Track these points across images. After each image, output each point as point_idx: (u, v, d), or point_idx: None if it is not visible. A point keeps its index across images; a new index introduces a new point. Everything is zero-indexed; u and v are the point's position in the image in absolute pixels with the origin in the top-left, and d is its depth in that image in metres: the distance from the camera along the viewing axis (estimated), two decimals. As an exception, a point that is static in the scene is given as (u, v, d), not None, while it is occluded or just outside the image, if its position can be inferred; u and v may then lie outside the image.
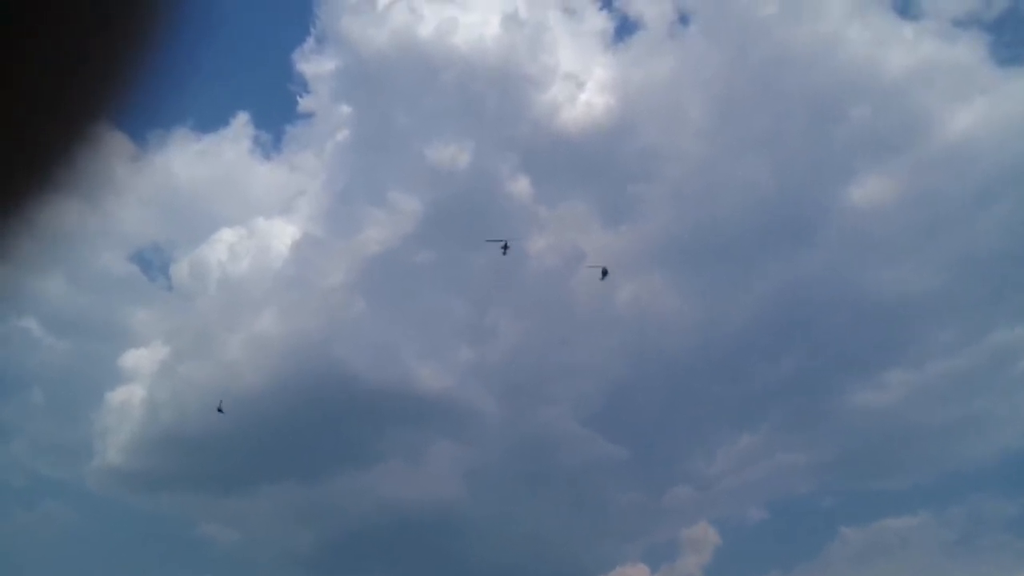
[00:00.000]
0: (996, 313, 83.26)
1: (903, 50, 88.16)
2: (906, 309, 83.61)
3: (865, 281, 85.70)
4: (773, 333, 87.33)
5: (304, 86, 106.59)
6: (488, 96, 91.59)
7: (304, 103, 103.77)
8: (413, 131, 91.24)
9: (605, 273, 71.51)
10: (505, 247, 67.43)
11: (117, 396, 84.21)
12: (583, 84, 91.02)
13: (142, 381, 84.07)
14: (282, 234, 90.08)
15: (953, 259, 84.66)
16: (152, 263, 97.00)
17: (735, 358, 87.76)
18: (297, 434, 79.15)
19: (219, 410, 70.65)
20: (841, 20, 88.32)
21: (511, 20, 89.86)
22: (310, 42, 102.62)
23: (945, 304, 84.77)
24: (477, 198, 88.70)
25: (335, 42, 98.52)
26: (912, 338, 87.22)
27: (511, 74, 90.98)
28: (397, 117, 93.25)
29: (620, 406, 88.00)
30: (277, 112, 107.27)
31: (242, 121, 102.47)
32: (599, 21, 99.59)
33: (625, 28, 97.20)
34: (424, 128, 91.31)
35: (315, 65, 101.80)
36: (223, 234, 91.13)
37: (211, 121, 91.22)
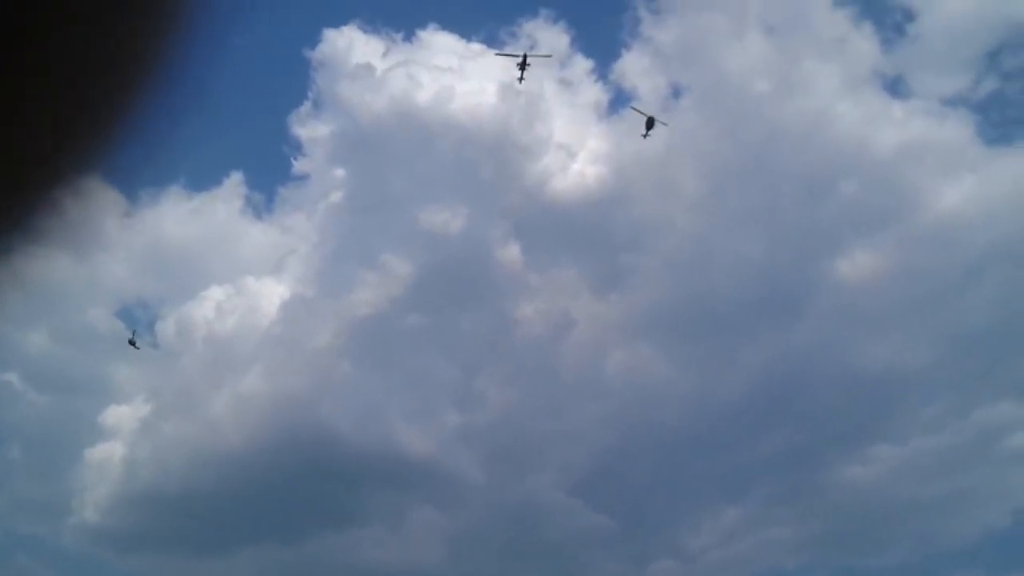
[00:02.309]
0: (982, 390, 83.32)
1: (893, 128, 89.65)
2: (893, 384, 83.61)
3: (853, 355, 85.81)
4: (761, 406, 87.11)
5: (299, 149, 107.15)
6: (482, 163, 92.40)
7: (299, 165, 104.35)
8: (407, 196, 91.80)
9: (651, 124, 65.68)
10: (523, 65, 63.61)
11: (96, 453, 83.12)
12: (576, 154, 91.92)
13: (123, 438, 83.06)
14: (271, 294, 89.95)
15: (940, 335, 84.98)
16: (138, 319, 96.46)
17: (723, 430, 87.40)
18: (278, 495, 78.10)
19: (131, 342, 65.19)
20: (832, 97, 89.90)
21: (508, 90, 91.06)
22: (307, 106, 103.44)
23: (932, 380, 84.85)
24: (468, 263, 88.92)
25: (332, 107, 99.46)
26: (899, 413, 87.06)
27: (506, 142, 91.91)
28: (392, 181, 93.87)
29: (606, 476, 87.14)
30: (271, 173, 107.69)
31: (235, 181, 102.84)
32: (594, 93, 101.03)
33: (619, 100, 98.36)
34: (418, 193, 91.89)
35: (311, 129, 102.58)
36: (211, 292, 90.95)
37: (204, 180, 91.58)
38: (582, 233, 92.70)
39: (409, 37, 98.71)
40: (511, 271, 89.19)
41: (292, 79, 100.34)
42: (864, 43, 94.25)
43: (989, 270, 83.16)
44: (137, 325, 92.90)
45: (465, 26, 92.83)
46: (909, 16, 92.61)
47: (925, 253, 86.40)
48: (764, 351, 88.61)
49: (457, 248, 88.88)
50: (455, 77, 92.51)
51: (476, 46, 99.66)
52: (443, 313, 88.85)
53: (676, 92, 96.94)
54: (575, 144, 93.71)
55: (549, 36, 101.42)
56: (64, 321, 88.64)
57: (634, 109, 68.35)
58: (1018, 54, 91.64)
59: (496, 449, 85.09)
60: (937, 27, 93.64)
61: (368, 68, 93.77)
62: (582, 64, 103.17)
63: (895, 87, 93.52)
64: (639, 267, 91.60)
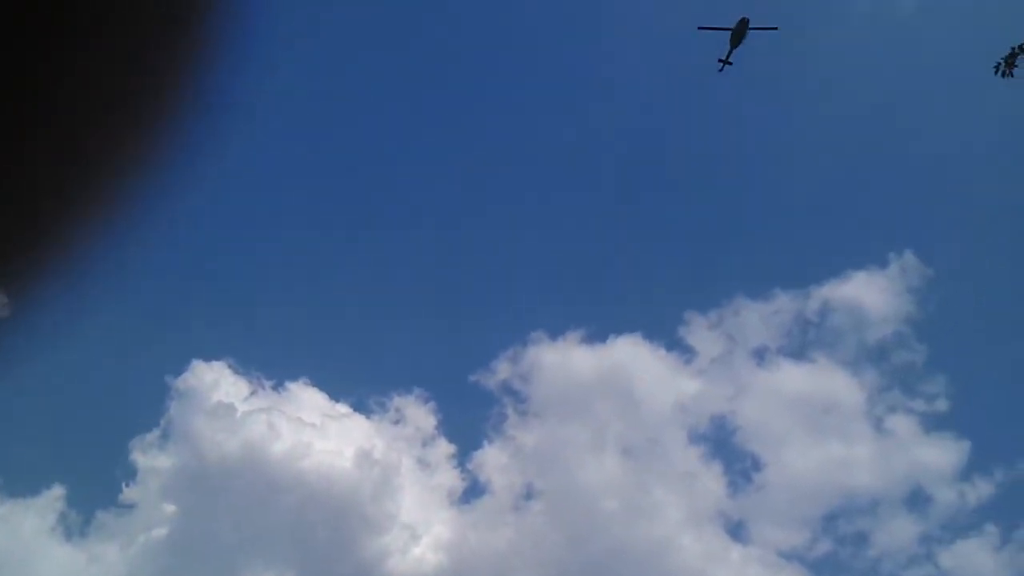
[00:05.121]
0: None
1: (729, 570, 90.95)
2: None
3: None
4: None
5: (133, 475, 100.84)
6: (322, 528, 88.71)
7: (128, 492, 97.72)
8: (236, 547, 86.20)
9: (741, 35, 46.63)
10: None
11: None
12: (420, 537, 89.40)
13: None
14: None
15: None
16: None
17: None
18: None
19: None
20: (676, 528, 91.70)
21: (365, 458, 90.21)
22: (155, 433, 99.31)
23: None
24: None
25: (181, 439, 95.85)
26: None
27: (351, 511, 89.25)
28: (223, 529, 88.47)
29: None
30: (95, 495, 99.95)
31: (56, 494, 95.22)
32: (449, 479, 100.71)
33: (473, 491, 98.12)
34: (248, 546, 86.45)
35: (151, 457, 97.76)
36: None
37: (21, 486, 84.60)
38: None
39: (278, 386, 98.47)
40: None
41: (146, 402, 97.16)
42: (713, 482, 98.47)
43: None
44: None
45: (336, 387, 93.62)
46: (756, 466, 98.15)
47: None
48: None
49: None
50: (315, 434, 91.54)
51: (343, 407, 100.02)
52: None
53: (529, 493, 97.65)
54: (421, 527, 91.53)
55: (418, 415, 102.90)
56: None
57: (703, 28, 47.60)
58: (852, 521, 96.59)
59: None
60: (780, 482, 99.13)
61: (229, 408, 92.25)
62: (444, 448, 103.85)
63: (736, 530, 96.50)
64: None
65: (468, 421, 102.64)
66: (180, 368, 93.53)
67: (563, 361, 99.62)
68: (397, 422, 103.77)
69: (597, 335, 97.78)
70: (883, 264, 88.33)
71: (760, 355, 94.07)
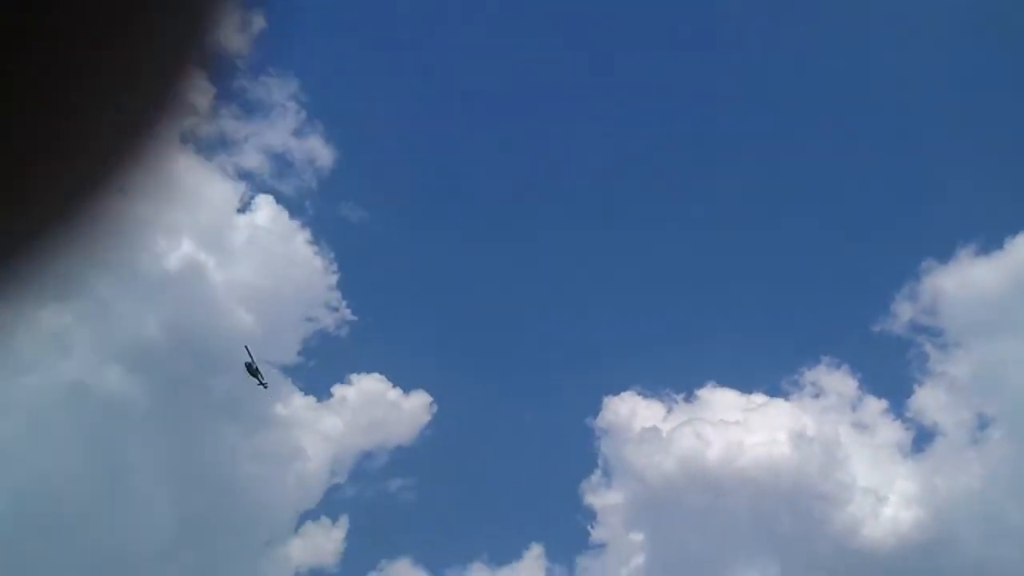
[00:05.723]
0: None
1: None
2: None
3: None
4: None
5: (594, 517, 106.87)
6: (782, 516, 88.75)
7: (595, 534, 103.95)
8: (709, 555, 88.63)
9: None
10: None
11: None
12: (885, 498, 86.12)
13: None
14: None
15: None
16: None
17: None
18: None
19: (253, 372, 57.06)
20: None
21: (799, 438, 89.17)
22: (597, 474, 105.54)
23: None
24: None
25: (621, 473, 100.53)
26: None
27: (804, 493, 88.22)
28: (691, 542, 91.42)
29: None
30: (569, 543, 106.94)
31: (536, 553, 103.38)
32: (892, 433, 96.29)
33: (922, 438, 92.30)
34: (720, 552, 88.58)
35: (602, 497, 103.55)
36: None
37: (506, 554, 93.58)
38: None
39: (689, 397, 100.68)
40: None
41: (579, 449, 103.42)
42: None
43: None
44: None
45: (744, 380, 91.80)
46: None
47: None
48: None
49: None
50: (742, 431, 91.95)
51: (758, 397, 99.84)
52: None
53: (983, 423, 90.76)
54: (883, 488, 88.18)
55: (833, 381, 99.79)
56: None
57: None
58: None
59: None
60: None
61: (654, 431, 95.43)
62: (874, 405, 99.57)
63: None
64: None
65: (888, 372, 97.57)
66: (596, 408, 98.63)
67: (965, 281, 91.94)
68: (817, 395, 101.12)
69: (992, 242, 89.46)
70: None
71: None
